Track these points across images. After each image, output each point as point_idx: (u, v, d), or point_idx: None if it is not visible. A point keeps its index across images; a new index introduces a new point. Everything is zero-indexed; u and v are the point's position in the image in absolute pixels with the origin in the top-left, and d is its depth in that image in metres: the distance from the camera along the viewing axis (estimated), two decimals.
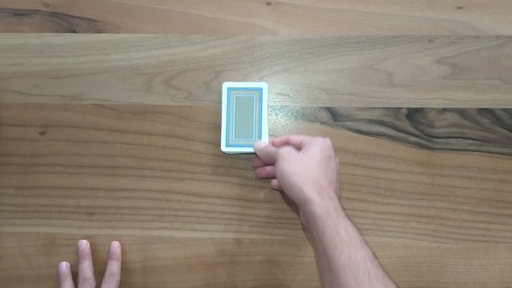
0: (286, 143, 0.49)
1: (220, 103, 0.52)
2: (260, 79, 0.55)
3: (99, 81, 0.55)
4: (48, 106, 0.55)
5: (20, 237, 0.53)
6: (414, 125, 0.54)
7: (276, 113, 0.54)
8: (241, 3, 0.56)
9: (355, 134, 0.53)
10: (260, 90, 0.52)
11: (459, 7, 0.55)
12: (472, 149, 0.53)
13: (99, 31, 0.56)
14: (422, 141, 0.53)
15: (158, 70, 0.55)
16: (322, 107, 0.54)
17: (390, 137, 0.53)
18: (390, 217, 0.52)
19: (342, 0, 0.56)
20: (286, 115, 0.54)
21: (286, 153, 0.45)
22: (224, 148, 0.51)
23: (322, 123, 0.54)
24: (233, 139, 0.51)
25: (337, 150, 0.53)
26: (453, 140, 0.53)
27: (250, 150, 0.51)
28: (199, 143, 0.54)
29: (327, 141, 0.47)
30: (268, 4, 0.56)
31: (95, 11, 0.56)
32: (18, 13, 0.57)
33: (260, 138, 0.51)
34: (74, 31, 0.56)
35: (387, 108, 0.54)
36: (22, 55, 0.56)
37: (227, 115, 0.51)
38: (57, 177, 0.53)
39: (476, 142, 0.53)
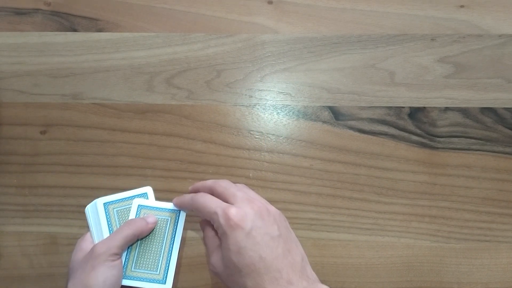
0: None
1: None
2: (262, 78, 0.54)
3: (100, 80, 0.55)
4: (49, 105, 0.54)
5: (21, 236, 0.53)
6: (416, 124, 0.53)
7: (278, 112, 0.54)
8: (242, 2, 0.56)
9: (357, 133, 0.53)
10: (177, 212, 0.44)
11: (462, 6, 0.55)
12: (474, 149, 0.53)
13: (100, 30, 0.56)
14: (424, 140, 0.53)
15: (159, 69, 0.55)
16: (323, 106, 0.54)
17: (392, 136, 0.53)
18: (392, 216, 0.52)
19: None
20: (287, 114, 0.54)
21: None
22: None
23: (324, 122, 0.54)
24: (132, 269, 0.42)
25: (339, 149, 0.53)
26: (456, 140, 0.53)
27: (151, 286, 0.41)
28: (200, 142, 0.53)
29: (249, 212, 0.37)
30: (270, 2, 0.56)
31: (96, 10, 0.56)
32: (19, 12, 0.56)
33: (167, 274, 0.42)
34: (75, 30, 0.56)
35: (389, 107, 0.54)
36: (23, 54, 0.55)
37: None
38: (58, 176, 0.53)
39: (479, 141, 0.53)
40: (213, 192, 0.41)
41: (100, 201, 0.44)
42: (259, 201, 0.39)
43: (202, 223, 0.43)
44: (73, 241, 0.52)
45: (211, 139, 0.54)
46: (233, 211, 0.37)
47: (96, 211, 0.44)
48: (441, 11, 0.55)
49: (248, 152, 0.53)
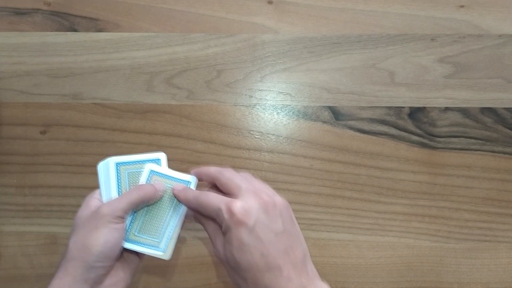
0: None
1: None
2: (262, 78, 0.54)
3: (100, 80, 0.55)
4: (49, 105, 0.54)
5: (21, 236, 0.53)
6: (416, 124, 0.53)
7: (278, 112, 0.54)
8: (242, 2, 0.56)
9: (357, 133, 0.53)
10: (187, 183, 0.43)
11: (462, 6, 0.55)
12: (474, 149, 0.53)
13: (100, 30, 0.56)
14: (424, 140, 0.53)
15: (159, 69, 0.55)
16: (324, 106, 0.54)
17: (392, 136, 0.53)
18: (392, 216, 0.52)
19: None
20: (287, 114, 0.54)
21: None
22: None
23: (324, 122, 0.54)
24: (135, 234, 0.41)
25: (339, 149, 0.53)
26: (456, 139, 0.53)
27: (152, 252, 0.41)
28: (200, 142, 0.53)
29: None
30: (270, 2, 0.56)
31: (96, 10, 0.56)
32: (19, 12, 0.56)
33: (168, 243, 0.42)
34: (75, 30, 0.56)
35: (389, 107, 0.54)
36: (23, 54, 0.55)
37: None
38: (58, 176, 0.53)
39: (479, 141, 0.53)
40: (216, 182, 0.40)
41: (112, 160, 0.43)
42: (265, 193, 0.38)
43: (198, 216, 0.42)
44: None
45: (211, 139, 0.54)
46: (237, 206, 0.36)
47: (108, 169, 0.43)
48: (441, 11, 0.55)
49: (248, 152, 0.53)
